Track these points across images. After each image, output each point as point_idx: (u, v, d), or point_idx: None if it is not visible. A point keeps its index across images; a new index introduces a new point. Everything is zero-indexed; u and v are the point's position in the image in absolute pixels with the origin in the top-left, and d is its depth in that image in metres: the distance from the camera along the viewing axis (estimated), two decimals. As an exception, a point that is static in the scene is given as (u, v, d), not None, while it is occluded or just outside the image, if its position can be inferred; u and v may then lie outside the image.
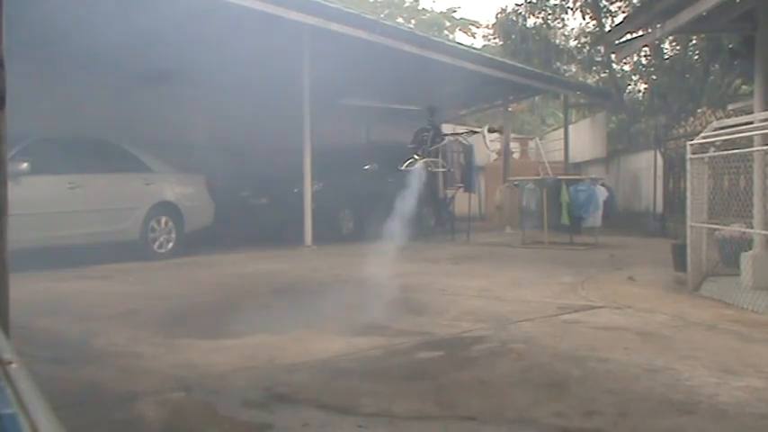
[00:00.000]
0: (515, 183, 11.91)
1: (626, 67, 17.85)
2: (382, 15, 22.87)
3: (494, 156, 19.24)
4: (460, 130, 13.02)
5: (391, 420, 2.66)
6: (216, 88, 11.96)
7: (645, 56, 16.51)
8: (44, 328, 4.40)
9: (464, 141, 12.35)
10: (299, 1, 8.99)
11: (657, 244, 9.90)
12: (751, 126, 5.53)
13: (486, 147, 7.79)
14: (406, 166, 6.78)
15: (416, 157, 6.83)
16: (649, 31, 7.44)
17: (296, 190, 10.39)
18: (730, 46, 11.52)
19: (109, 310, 5.07)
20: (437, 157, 7.08)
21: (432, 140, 7.02)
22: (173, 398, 2.95)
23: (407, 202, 6.87)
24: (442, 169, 7.40)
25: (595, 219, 10.66)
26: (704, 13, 6.15)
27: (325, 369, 3.44)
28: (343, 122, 14.25)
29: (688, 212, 5.98)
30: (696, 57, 15.23)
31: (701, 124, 11.17)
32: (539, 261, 8.59)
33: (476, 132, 7.68)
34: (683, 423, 2.63)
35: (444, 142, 7.15)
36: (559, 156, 17.81)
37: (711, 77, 15.02)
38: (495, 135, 8.94)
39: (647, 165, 14.33)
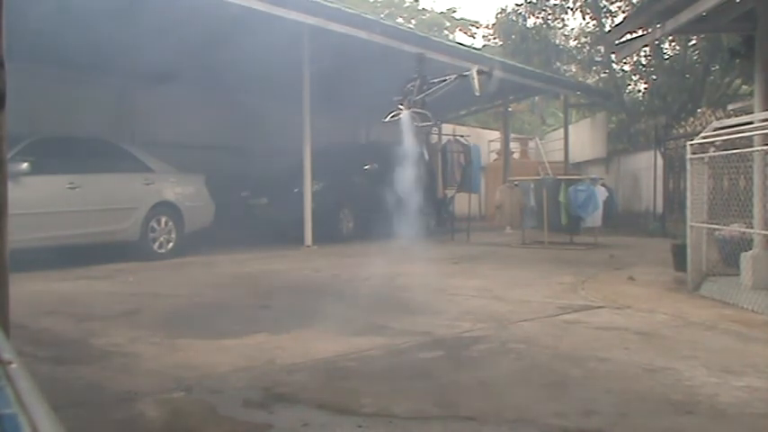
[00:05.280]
0: (516, 183, 11.92)
1: (626, 67, 17.87)
2: (382, 15, 22.87)
3: (494, 156, 19.29)
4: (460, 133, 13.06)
5: (391, 420, 2.66)
6: (216, 88, 11.97)
7: (645, 56, 16.52)
8: (44, 328, 4.40)
9: (465, 142, 12.40)
10: (299, 1, 8.99)
11: (657, 244, 9.91)
12: (751, 126, 5.53)
13: (476, 90, 7.43)
14: (391, 118, 6.51)
15: (401, 107, 6.52)
16: (649, 31, 7.44)
17: (296, 190, 10.39)
18: (730, 46, 11.52)
19: (109, 310, 5.07)
20: (423, 107, 6.72)
21: (418, 90, 6.66)
22: (173, 398, 2.95)
23: (402, 165, 6.71)
24: (428, 123, 6.99)
25: (595, 219, 10.67)
26: (704, 13, 6.15)
27: (326, 369, 3.44)
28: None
29: (688, 212, 5.98)
30: (696, 57, 15.24)
31: (700, 124, 11.18)
32: (539, 261, 8.59)
33: (464, 76, 7.33)
34: (683, 423, 2.63)
35: (432, 90, 6.82)
36: (559, 156, 17.82)
37: (711, 77, 15.04)
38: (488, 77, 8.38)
39: (647, 165, 14.33)
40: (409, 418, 2.70)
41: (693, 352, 3.70)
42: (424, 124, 6.81)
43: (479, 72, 7.31)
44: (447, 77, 7.02)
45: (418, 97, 6.54)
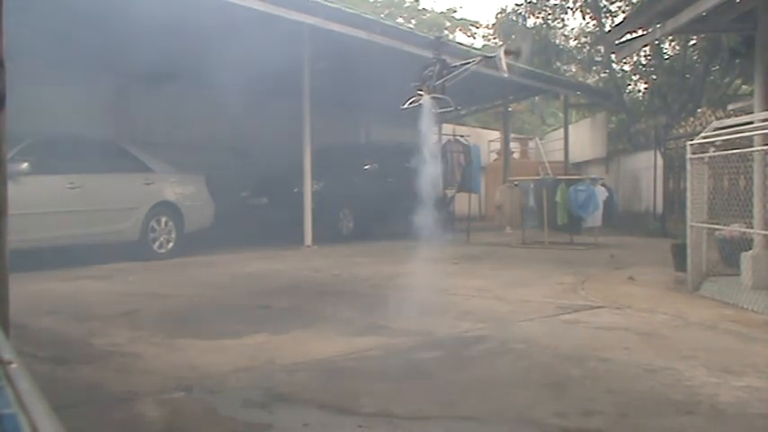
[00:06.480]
0: (515, 183, 11.92)
1: (626, 67, 17.84)
2: (382, 15, 22.87)
3: (494, 156, 19.30)
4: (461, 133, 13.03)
5: (391, 420, 2.66)
6: (216, 88, 11.95)
7: (645, 56, 16.50)
8: (44, 328, 4.40)
9: (465, 142, 12.40)
10: (299, 1, 8.99)
11: (657, 244, 9.90)
12: (751, 126, 5.53)
13: (504, 72, 7.04)
14: (410, 104, 6.27)
15: (421, 93, 6.27)
16: (649, 31, 7.44)
17: (296, 190, 10.40)
18: (730, 46, 11.51)
19: (109, 310, 5.07)
20: (443, 93, 6.44)
21: (438, 74, 6.40)
22: (173, 398, 2.95)
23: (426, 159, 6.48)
24: (448, 108, 6.69)
25: (595, 219, 10.67)
26: (704, 13, 6.15)
27: (326, 369, 3.44)
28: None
29: (688, 212, 5.97)
30: (696, 57, 15.22)
31: (700, 124, 11.18)
32: (539, 261, 8.59)
33: (490, 57, 7.00)
34: (683, 423, 2.63)
35: (452, 75, 6.50)
36: (559, 156, 17.83)
37: (711, 77, 15.02)
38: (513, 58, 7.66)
39: (647, 165, 14.33)
40: (409, 418, 2.70)
41: (693, 352, 3.70)
42: (444, 110, 6.56)
43: (507, 53, 7.01)
44: (470, 60, 6.74)
45: (438, 82, 6.29)
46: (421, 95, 6.11)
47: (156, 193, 8.85)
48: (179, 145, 11.03)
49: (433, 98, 6.14)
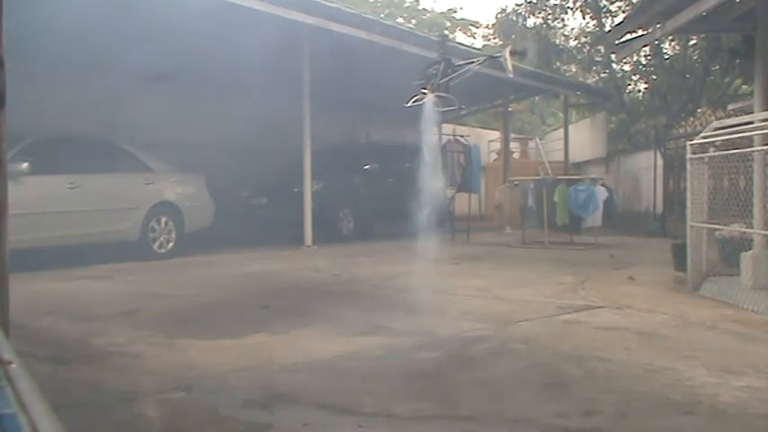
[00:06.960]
0: (515, 183, 11.93)
1: (626, 67, 17.85)
2: (382, 15, 22.87)
3: (494, 156, 19.30)
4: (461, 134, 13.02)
5: (391, 420, 2.66)
6: (216, 88, 11.96)
7: (645, 56, 16.50)
8: (44, 328, 4.40)
9: (465, 142, 12.39)
10: (299, 1, 8.99)
11: (657, 244, 9.90)
12: (751, 126, 5.53)
13: (509, 72, 6.97)
14: (413, 103, 6.22)
15: (424, 91, 6.22)
16: (649, 31, 7.44)
17: (296, 190, 10.40)
18: (730, 46, 11.51)
19: (109, 310, 5.07)
20: (447, 92, 6.38)
21: (443, 73, 6.34)
22: (173, 398, 2.95)
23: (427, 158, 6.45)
24: (452, 107, 6.63)
25: (595, 219, 10.67)
26: (704, 13, 6.15)
27: (325, 369, 3.44)
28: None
29: (688, 212, 5.97)
30: (696, 57, 15.22)
31: (700, 124, 11.18)
32: (539, 261, 8.59)
33: (495, 57, 6.92)
34: (683, 423, 2.63)
35: (457, 74, 6.43)
36: (559, 156, 17.83)
37: (711, 77, 15.01)
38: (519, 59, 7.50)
39: (647, 165, 14.33)
40: (409, 418, 2.70)
41: (693, 352, 3.70)
42: (448, 109, 6.53)
43: (512, 53, 6.93)
44: (474, 59, 6.68)
45: (442, 81, 6.25)
46: (425, 94, 6.08)
47: (156, 193, 8.85)
48: (179, 145, 11.01)
49: (437, 97, 6.12)
